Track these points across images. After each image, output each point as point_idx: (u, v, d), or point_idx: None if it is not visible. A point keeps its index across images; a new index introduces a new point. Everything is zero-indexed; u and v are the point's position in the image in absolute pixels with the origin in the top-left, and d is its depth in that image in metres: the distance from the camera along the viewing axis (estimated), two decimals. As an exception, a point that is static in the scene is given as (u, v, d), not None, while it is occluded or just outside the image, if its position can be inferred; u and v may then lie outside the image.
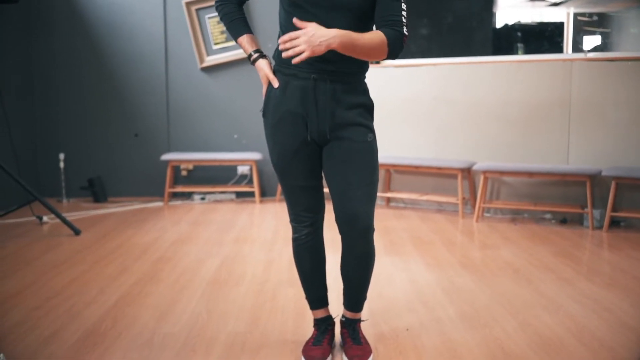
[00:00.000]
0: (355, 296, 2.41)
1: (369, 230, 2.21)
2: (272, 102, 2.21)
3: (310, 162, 2.24)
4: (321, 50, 1.89)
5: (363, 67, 2.18)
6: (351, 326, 2.44)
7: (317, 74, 2.11)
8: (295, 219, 2.34)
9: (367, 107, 2.22)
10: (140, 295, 3.20)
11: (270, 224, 5.03)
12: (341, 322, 2.49)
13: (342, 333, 2.48)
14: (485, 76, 5.39)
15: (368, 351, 2.37)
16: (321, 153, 2.24)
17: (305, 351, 2.38)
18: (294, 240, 2.38)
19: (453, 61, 5.59)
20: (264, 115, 2.25)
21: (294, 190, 2.28)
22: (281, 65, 2.18)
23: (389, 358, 2.41)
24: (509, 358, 2.42)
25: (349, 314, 2.46)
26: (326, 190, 2.34)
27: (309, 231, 2.34)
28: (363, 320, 2.53)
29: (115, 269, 3.68)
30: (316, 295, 2.46)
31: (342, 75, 2.13)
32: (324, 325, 2.46)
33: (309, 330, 2.67)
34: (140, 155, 6.27)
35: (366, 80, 2.24)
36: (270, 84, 2.21)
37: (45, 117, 6.21)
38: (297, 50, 1.88)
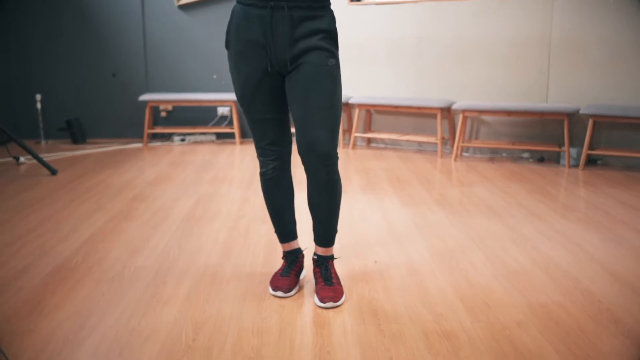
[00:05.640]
0: (324, 229, 2.34)
1: (329, 156, 2.13)
2: (233, 32, 2.18)
3: (273, 93, 2.20)
4: None
5: None
6: (323, 265, 2.37)
7: (274, 2, 2.08)
8: (261, 153, 2.33)
9: (330, 33, 2.14)
10: (113, 232, 3.21)
11: (249, 164, 5.02)
12: (313, 260, 2.41)
13: (314, 272, 2.39)
14: (466, 13, 5.31)
15: (340, 292, 2.30)
16: (284, 83, 2.20)
17: (273, 282, 2.41)
18: (262, 175, 2.38)
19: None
20: (227, 47, 2.23)
21: (259, 123, 2.26)
22: None
23: (357, 289, 2.45)
24: (473, 287, 2.46)
25: (321, 250, 2.38)
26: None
27: (276, 165, 2.33)
28: (336, 258, 2.47)
29: (90, 208, 3.68)
30: (285, 229, 2.47)
31: (300, 1, 2.08)
32: (292, 257, 2.48)
33: (279, 263, 2.70)
34: (118, 96, 6.20)
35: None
36: (230, 17, 2.18)
37: (20, 57, 6.10)
38: None
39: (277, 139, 2.30)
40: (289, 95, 2.18)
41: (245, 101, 2.23)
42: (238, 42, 2.17)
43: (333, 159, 2.16)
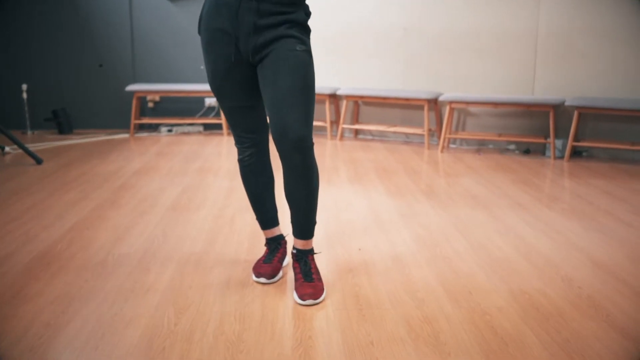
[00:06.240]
0: (302, 220, 2.27)
1: (302, 141, 2.06)
2: (204, 20, 2.17)
3: (244, 82, 2.18)
4: None
5: None
6: (303, 259, 2.30)
7: None
8: (238, 140, 2.33)
9: (298, 23, 2.11)
10: (98, 220, 3.20)
11: (236, 155, 5.00)
12: (292, 254, 2.34)
13: (293, 267, 2.32)
14: (454, 4, 5.32)
15: (320, 288, 2.23)
16: (255, 72, 2.17)
17: (256, 268, 2.41)
18: (239, 162, 2.37)
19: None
20: (199, 34, 2.23)
21: (232, 111, 2.25)
22: None
23: (340, 276, 2.46)
24: (456, 275, 2.48)
25: (300, 244, 2.31)
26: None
27: (252, 152, 2.32)
28: (316, 253, 2.40)
29: (76, 196, 3.67)
30: (266, 215, 2.47)
31: None
32: (274, 243, 2.48)
33: (263, 250, 2.70)
34: (105, 87, 6.17)
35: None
36: (203, 4, 2.18)
37: (6, 47, 6.05)
38: None
39: (251, 126, 2.28)
40: (261, 84, 2.14)
41: (215, 89, 2.23)
42: (208, 30, 2.16)
43: (307, 143, 2.08)
